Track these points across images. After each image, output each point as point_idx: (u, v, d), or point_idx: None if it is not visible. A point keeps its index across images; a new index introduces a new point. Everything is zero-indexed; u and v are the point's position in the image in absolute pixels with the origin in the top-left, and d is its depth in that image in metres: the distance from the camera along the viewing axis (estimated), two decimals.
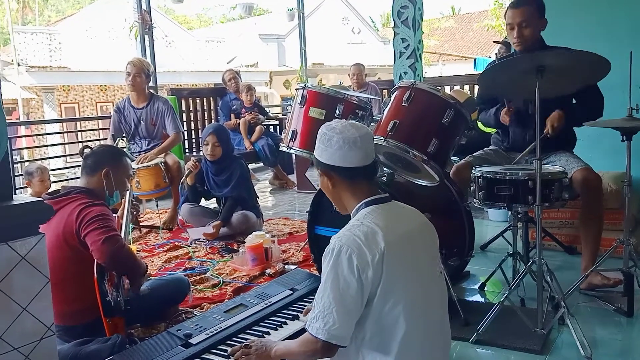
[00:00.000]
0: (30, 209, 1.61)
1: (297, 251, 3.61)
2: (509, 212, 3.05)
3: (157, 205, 4.48)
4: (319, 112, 2.79)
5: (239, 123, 6.00)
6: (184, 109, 6.46)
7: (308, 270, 2.81)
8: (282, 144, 2.99)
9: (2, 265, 1.53)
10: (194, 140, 6.63)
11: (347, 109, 2.77)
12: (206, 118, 6.73)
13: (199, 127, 6.62)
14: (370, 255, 1.42)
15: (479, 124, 3.70)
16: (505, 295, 2.34)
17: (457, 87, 6.18)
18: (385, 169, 2.81)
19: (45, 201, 1.72)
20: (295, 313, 2.25)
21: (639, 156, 2.71)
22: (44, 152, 13.83)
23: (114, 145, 4.31)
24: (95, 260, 2.13)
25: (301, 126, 2.83)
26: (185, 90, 7.23)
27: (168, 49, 17.55)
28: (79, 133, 12.79)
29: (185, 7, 30.31)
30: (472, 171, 2.65)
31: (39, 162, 6.28)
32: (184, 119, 6.42)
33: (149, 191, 4.28)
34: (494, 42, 3.89)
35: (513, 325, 2.33)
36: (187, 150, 6.36)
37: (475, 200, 2.62)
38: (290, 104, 3.16)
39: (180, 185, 4.21)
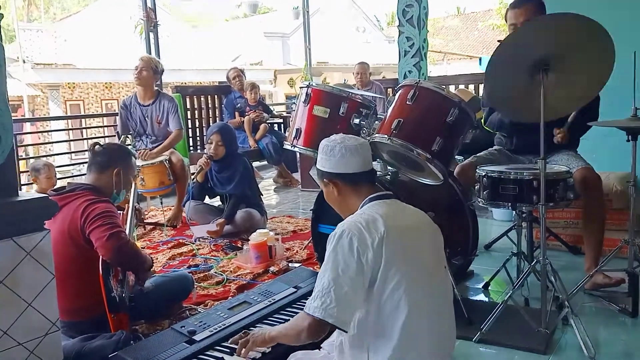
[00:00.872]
0: (35, 205, 1.62)
1: (300, 249, 3.62)
2: (514, 212, 3.04)
3: (161, 203, 4.50)
4: (323, 111, 2.78)
5: (244, 121, 6.00)
6: (188, 106, 6.46)
7: (312, 268, 2.81)
8: (286, 142, 2.99)
9: (8, 261, 1.54)
10: (198, 138, 6.63)
11: (351, 107, 2.77)
12: (210, 116, 6.73)
13: (204, 125, 6.62)
14: (370, 238, 1.47)
15: (483, 124, 3.69)
16: (509, 294, 2.33)
17: (461, 86, 6.17)
18: (389, 167, 2.81)
19: (50, 197, 1.73)
20: (299, 311, 2.24)
21: None
22: (49, 149, 13.88)
23: (121, 142, 4.32)
24: (101, 257, 2.14)
25: (305, 124, 2.83)
26: (189, 88, 7.21)
27: (173, 47, 17.57)
28: (84, 130, 12.82)
29: (190, 5, 30.33)
30: (477, 170, 2.65)
31: (44, 158, 6.31)
32: (189, 116, 6.43)
33: (153, 188, 4.30)
34: (498, 41, 3.86)
35: (517, 325, 2.32)
36: (191, 148, 6.37)
37: (479, 199, 2.62)
38: (294, 102, 3.16)
39: (191, 182, 4.22)
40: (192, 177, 4.12)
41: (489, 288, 2.89)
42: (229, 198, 4.05)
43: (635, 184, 2.49)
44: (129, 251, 2.22)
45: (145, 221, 4.44)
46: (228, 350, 1.91)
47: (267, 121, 6.16)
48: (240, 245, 3.72)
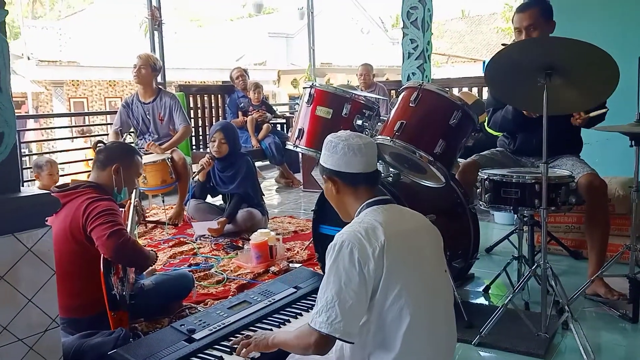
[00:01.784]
0: (37, 202, 1.63)
1: (301, 249, 3.62)
2: (515, 215, 3.03)
3: (163, 201, 4.50)
4: (326, 111, 2.78)
5: (246, 121, 6.01)
6: (192, 105, 6.47)
7: (312, 269, 2.81)
8: (288, 142, 2.99)
9: (8, 257, 1.54)
10: (201, 137, 6.64)
11: (354, 108, 2.77)
12: (214, 115, 6.74)
13: (207, 124, 6.63)
14: (370, 248, 1.45)
15: (486, 127, 3.68)
16: (509, 298, 2.33)
17: (465, 89, 6.17)
18: (391, 169, 2.81)
19: (53, 194, 1.74)
20: (298, 311, 2.25)
21: None
22: (52, 146, 13.90)
23: (122, 140, 4.33)
24: (102, 255, 2.14)
25: (308, 125, 2.83)
26: (193, 87, 7.23)
27: (177, 46, 17.59)
28: (87, 127, 12.84)
29: (195, 4, 30.38)
30: (479, 173, 2.64)
31: (47, 155, 6.32)
32: (192, 115, 6.43)
33: (155, 187, 4.30)
34: (502, 44, 3.86)
35: (516, 329, 2.32)
36: (194, 147, 6.38)
37: (481, 202, 2.61)
38: (297, 103, 3.16)
39: (191, 180, 4.22)
40: (193, 176, 4.12)
41: (490, 291, 2.89)
42: (230, 197, 4.05)
43: (638, 189, 2.48)
44: (130, 249, 2.23)
45: (146, 219, 4.44)
46: (227, 350, 1.91)
47: (270, 121, 6.17)
48: (241, 245, 3.72)
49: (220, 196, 4.31)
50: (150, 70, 4.46)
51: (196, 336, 1.98)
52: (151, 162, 4.20)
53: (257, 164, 6.05)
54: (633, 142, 2.42)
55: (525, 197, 2.44)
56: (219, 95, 6.81)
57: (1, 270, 1.52)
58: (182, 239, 3.93)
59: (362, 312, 1.47)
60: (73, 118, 13.59)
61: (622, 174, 3.26)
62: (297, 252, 3.59)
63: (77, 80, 17.80)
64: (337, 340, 1.46)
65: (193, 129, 6.36)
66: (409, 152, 2.43)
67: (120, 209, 2.42)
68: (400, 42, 4.65)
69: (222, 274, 3.17)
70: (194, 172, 4.15)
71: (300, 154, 5.39)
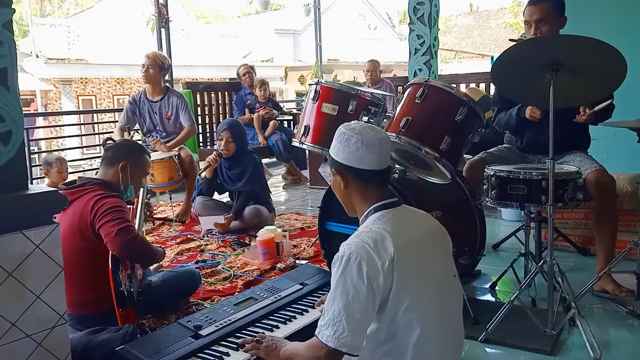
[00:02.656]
0: (45, 199, 1.64)
1: (308, 246, 3.63)
2: (522, 212, 3.02)
3: (170, 198, 4.52)
4: (332, 108, 2.79)
5: (253, 118, 6.02)
6: (198, 102, 6.49)
7: (318, 266, 2.82)
8: (294, 139, 2.99)
9: (17, 254, 1.56)
10: (208, 134, 6.66)
11: (360, 105, 2.77)
12: (221, 112, 6.76)
13: (214, 122, 6.65)
14: (380, 261, 1.40)
15: None
16: (516, 294, 2.32)
17: (472, 85, 6.14)
18: (397, 166, 2.81)
19: (61, 191, 1.75)
20: (305, 307, 2.26)
21: None
22: (61, 144, 14.01)
23: (130, 138, 4.35)
24: (110, 251, 2.16)
25: (314, 121, 2.84)
26: (200, 84, 7.24)
27: (184, 43, 17.63)
28: (96, 125, 12.92)
29: (201, 2, 30.43)
30: (485, 170, 2.63)
31: (58, 152, 6.37)
32: (199, 112, 6.46)
33: (162, 184, 4.32)
34: (510, 40, 3.84)
35: (523, 325, 2.32)
36: (201, 144, 6.40)
37: (487, 199, 2.60)
38: (304, 99, 3.17)
39: (197, 177, 4.24)
40: (200, 172, 4.13)
41: (496, 288, 2.88)
42: (238, 195, 4.07)
43: None
44: (138, 246, 2.24)
45: (154, 216, 4.47)
46: (234, 346, 1.92)
47: (277, 118, 6.18)
48: (247, 242, 3.73)
49: (227, 193, 4.32)
50: (158, 69, 4.50)
51: (203, 332, 1.99)
52: (159, 159, 4.23)
53: (264, 160, 6.07)
54: None
55: (532, 194, 2.42)
56: (226, 93, 6.82)
57: (9, 267, 1.54)
58: (189, 236, 3.95)
59: (369, 324, 1.45)
60: (82, 115, 13.66)
61: (630, 169, 3.24)
62: (304, 248, 3.60)
63: (86, 78, 17.90)
64: None
65: (200, 126, 6.38)
66: (414, 148, 2.43)
67: (129, 206, 2.44)
68: (407, 38, 4.64)
69: (229, 271, 3.18)
70: (201, 169, 4.17)
71: (307, 151, 5.40)
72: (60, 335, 1.66)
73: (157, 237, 3.99)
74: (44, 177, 4.37)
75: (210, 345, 1.94)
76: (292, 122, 7.15)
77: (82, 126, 12.69)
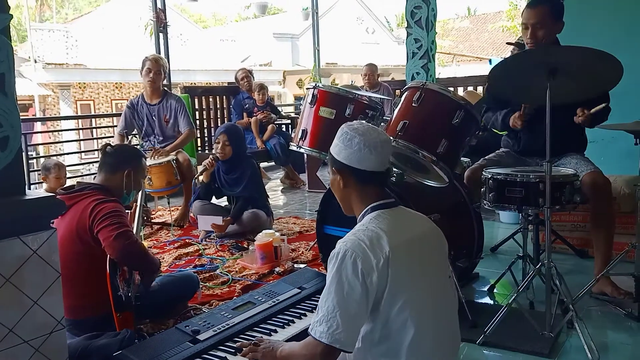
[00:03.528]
0: (42, 204, 1.64)
1: (306, 250, 3.63)
2: (520, 215, 3.03)
3: (168, 203, 4.53)
4: (329, 112, 2.80)
5: (251, 122, 6.03)
6: (197, 107, 6.50)
7: (317, 269, 2.82)
8: (292, 143, 3.00)
9: (14, 259, 1.55)
10: (206, 138, 6.66)
11: (357, 108, 2.78)
12: (219, 116, 6.76)
13: (212, 126, 6.65)
14: (375, 259, 1.41)
15: None
16: (514, 297, 2.32)
17: (470, 88, 6.16)
18: (394, 169, 2.81)
19: (59, 196, 1.76)
20: (303, 311, 2.26)
21: None
22: (59, 148, 14.00)
23: (128, 142, 4.36)
24: (108, 256, 2.16)
25: (311, 125, 2.84)
26: (198, 89, 7.25)
27: (182, 48, 17.66)
28: (94, 130, 12.93)
29: (199, 6, 30.47)
30: (483, 173, 2.64)
31: (56, 158, 6.37)
32: (197, 117, 6.46)
33: (160, 188, 4.32)
34: (507, 43, 3.86)
35: (521, 328, 2.31)
36: (199, 148, 6.40)
37: (485, 202, 2.61)
38: (302, 103, 3.18)
39: (193, 181, 4.24)
40: (196, 176, 4.12)
41: (494, 291, 2.89)
42: (236, 199, 4.07)
43: None
44: (136, 251, 2.24)
45: (152, 221, 4.47)
46: (232, 350, 1.92)
47: (275, 122, 6.18)
48: (246, 246, 3.73)
49: (225, 197, 4.32)
50: (162, 75, 4.57)
51: (201, 337, 1.98)
52: (156, 163, 4.23)
53: (262, 164, 6.08)
54: (638, 140, 2.41)
55: (530, 196, 2.43)
56: (224, 97, 6.83)
57: (7, 273, 1.54)
58: (187, 240, 3.95)
59: (363, 322, 1.46)
60: (80, 120, 13.66)
61: (628, 172, 3.24)
62: (302, 252, 3.60)
63: (84, 83, 17.93)
64: None
65: (198, 131, 6.39)
66: (412, 152, 2.43)
67: (127, 211, 2.44)
68: (405, 42, 4.65)
69: (227, 275, 3.18)
70: (198, 173, 4.16)
71: (305, 155, 5.41)
72: (58, 341, 1.66)
73: (155, 242, 3.99)
74: (42, 182, 4.37)
75: (208, 350, 1.94)
76: (290, 125, 7.15)
77: (81, 131, 12.70)
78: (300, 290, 2.42)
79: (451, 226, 2.69)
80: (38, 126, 13.72)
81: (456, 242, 2.67)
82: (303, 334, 2.04)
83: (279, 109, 6.79)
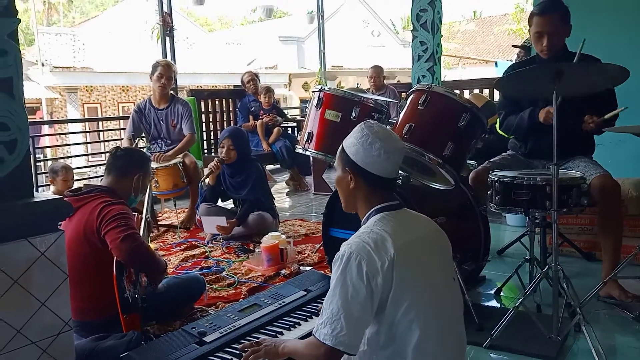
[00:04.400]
0: (50, 206, 1.65)
1: (312, 252, 3.63)
2: (527, 217, 3.02)
3: (175, 205, 4.54)
4: (335, 115, 2.80)
5: (257, 125, 6.04)
6: (203, 110, 6.52)
7: (323, 272, 2.82)
8: (298, 146, 3.01)
9: (22, 261, 1.56)
10: (212, 141, 6.68)
11: (363, 111, 2.78)
12: (225, 119, 6.78)
13: (218, 129, 6.67)
14: (379, 262, 1.42)
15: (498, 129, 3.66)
16: (520, 300, 2.32)
17: (476, 91, 6.14)
18: (400, 172, 2.81)
19: (67, 199, 1.77)
20: (309, 314, 2.26)
21: None
22: (67, 151, 14.08)
23: (135, 146, 4.38)
24: (115, 257, 2.17)
25: (317, 128, 2.85)
26: (204, 92, 7.28)
27: (189, 51, 17.74)
28: (101, 133, 12.99)
29: (206, 10, 30.62)
30: (489, 175, 2.63)
31: (64, 160, 6.40)
32: (203, 120, 6.48)
33: (167, 191, 4.33)
34: (513, 46, 3.85)
35: (528, 331, 2.31)
36: (205, 151, 6.42)
37: (492, 204, 2.60)
38: (308, 106, 3.18)
39: (200, 184, 4.25)
40: (202, 179, 4.13)
41: (501, 294, 2.88)
42: (242, 202, 4.07)
43: None
44: (143, 253, 2.25)
45: (159, 223, 4.49)
46: (237, 352, 1.92)
47: (281, 125, 6.19)
48: (252, 248, 3.74)
49: (231, 200, 4.33)
50: (172, 80, 4.59)
51: (207, 339, 1.99)
52: (163, 166, 4.24)
53: (268, 167, 6.09)
54: None
55: (537, 199, 2.42)
56: (230, 100, 6.85)
57: (15, 275, 1.55)
58: (193, 243, 3.96)
59: (367, 324, 1.46)
60: (87, 123, 13.74)
61: (635, 174, 3.23)
62: (308, 255, 3.60)
63: (91, 86, 18.03)
64: None
65: (204, 133, 6.42)
66: (418, 154, 2.43)
67: (134, 214, 2.45)
68: (411, 45, 4.66)
69: (233, 277, 3.19)
70: (204, 176, 4.17)
71: (311, 157, 5.41)
72: (65, 342, 1.67)
73: (161, 244, 4.00)
74: (49, 185, 4.40)
75: (214, 351, 1.95)
76: (296, 128, 7.17)
77: (88, 134, 12.76)
78: (306, 293, 2.42)
79: (457, 229, 2.69)
80: (45, 129, 13.78)
81: (462, 244, 2.66)
82: (309, 336, 2.04)
83: (285, 111, 6.80)
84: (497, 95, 5.40)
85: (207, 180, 4.05)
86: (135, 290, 2.25)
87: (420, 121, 2.46)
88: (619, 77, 2.23)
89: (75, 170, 4.74)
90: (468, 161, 2.88)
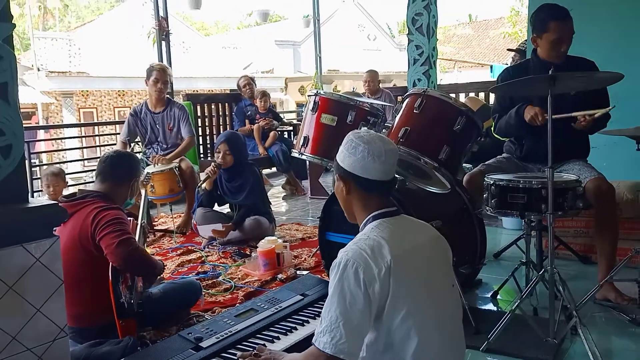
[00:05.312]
0: (45, 212, 1.65)
1: (309, 257, 3.62)
2: (523, 221, 3.02)
3: (171, 210, 4.53)
4: (331, 119, 2.80)
5: (253, 129, 6.04)
6: (199, 114, 6.51)
7: (319, 276, 2.82)
8: (294, 150, 3.01)
9: (17, 267, 1.56)
10: (209, 146, 6.67)
11: (359, 115, 2.78)
12: (221, 123, 6.77)
13: (214, 133, 6.67)
14: (376, 268, 1.41)
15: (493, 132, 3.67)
16: (517, 303, 2.32)
17: (472, 94, 6.16)
18: (396, 175, 2.81)
19: (61, 204, 1.76)
20: (306, 318, 2.25)
21: None
22: (62, 156, 14.04)
23: (130, 150, 4.37)
24: (111, 263, 2.16)
25: (313, 132, 2.85)
26: (201, 96, 7.27)
27: (185, 55, 17.74)
28: (97, 137, 12.96)
29: (202, 14, 30.63)
30: (485, 179, 2.63)
31: (57, 165, 6.38)
32: (199, 124, 6.47)
33: (163, 195, 4.32)
34: (508, 50, 3.87)
35: (525, 334, 2.30)
36: (202, 156, 6.41)
37: (488, 208, 2.60)
38: (304, 110, 3.19)
39: (196, 189, 4.25)
40: (199, 184, 4.13)
41: (498, 297, 2.88)
42: (238, 207, 4.07)
43: None
44: (139, 258, 2.25)
45: (155, 228, 4.47)
46: (234, 358, 1.91)
47: (277, 129, 6.19)
48: (248, 253, 3.73)
49: (227, 204, 4.32)
50: (168, 85, 4.59)
51: (203, 344, 1.98)
52: (159, 171, 4.23)
53: (265, 171, 6.07)
54: (639, 145, 2.41)
55: (532, 202, 2.42)
56: (226, 104, 6.84)
57: (10, 281, 1.54)
58: (190, 247, 3.95)
59: (366, 331, 1.45)
60: (83, 128, 13.71)
61: (630, 177, 3.24)
62: (305, 259, 3.60)
63: (87, 91, 18.00)
64: None
65: (200, 138, 6.41)
66: (413, 158, 2.44)
67: (129, 218, 2.45)
68: (406, 49, 4.68)
69: (229, 282, 3.18)
70: (200, 181, 4.17)
71: (307, 162, 5.42)
72: (61, 349, 1.66)
73: (157, 249, 3.99)
74: (43, 190, 4.38)
75: (211, 357, 1.94)
76: (292, 132, 7.17)
77: (83, 139, 12.74)
78: (303, 297, 2.42)
79: (453, 232, 2.69)
80: (41, 134, 13.76)
81: (459, 248, 2.66)
82: (306, 341, 2.04)
83: (281, 115, 6.80)
84: (492, 98, 5.42)
85: (204, 185, 4.05)
86: (131, 296, 2.25)
87: (416, 125, 2.47)
88: (612, 79, 2.25)
89: (71, 176, 4.73)
90: (464, 165, 2.88)
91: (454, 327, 1.58)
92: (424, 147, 2.42)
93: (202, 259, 3.69)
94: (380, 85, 6.47)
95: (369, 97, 5.70)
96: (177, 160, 4.41)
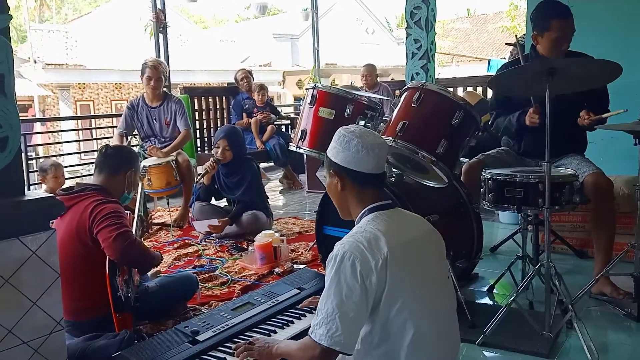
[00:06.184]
0: (41, 205, 1.64)
1: (306, 250, 3.62)
2: (520, 215, 3.02)
3: (167, 203, 4.52)
4: (329, 112, 2.79)
5: (251, 122, 6.03)
6: (196, 107, 6.49)
7: (316, 270, 2.82)
8: (291, 144, 3.00)
9: (13, 260, 1.56)
10: (206, 139, 6.66)
11: (356, 109, 2.77)
12: (219, 117, 6.76)
13: (212, 126, 6.65)
14: (373, 260, 1.42)
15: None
16: (513, 297, 2.32)
17: (470, 89, 6.15)
18: (393, 169, 2.81)
19: (58, 197, 1.75)
20: (302, 312, 2.26)
21: None
22: (59, 149, 14.00)
23: (127, 144, 4.36)
24: (108, 256, 2.16)
25: (310, 126, 2.84)
26: (198, 89, 7.25)
27: (182, 48, 17.67)
28: (94, 130, 12.93)
29: (199, 7, 30.48)
30: (482, 173, 2.64)
31: (54, 158, 6.37)
32: (197, 117, 6.46)
33: (160, 189, 4.31)
34: (506, 44, 3.86)
35: (520, 328, 2.31)
36: (199, 149, 6.40)
37: (484, 202, 2.60)
38: (302, 104, 3.18)
39: (195, 184, 4.24)
40: (197, 179, 4.13)
41: (494, 291, 2.89)
42: (236, 202, 4.06)
43: None
44: (136, 251, 2.24)
45: (152, 222, 4.47)
46: (231, 351, 1.92)
47: (275, 122, 6.18)
48: (245, 246, 3.73)
49: (224, 198, 4.32)
50: (163, 80, 4.56)
51: (200, 338, 1.99)
52: (156, 164, 4.22)
53: (262, 165, 6.07)
54: (637, 140, 2.41)
55: (529, 197, 2.42)
56: (224, 97, 6.82)
57: (6, 274, 1.54)
58: (186, 241, 3.95)
59: (362, 324, 1.46)
60: (79, 121, 13.66)
61: (627, 172, 3.24)
62: (302, 253, 3.60)
63: (84, 83, 17.93)
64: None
65: (197, 131, 6.39)
66: (411, 152, 2.44)
67: (127, 212, 2.44)
68: (405, 42, 4.66)
69: (226, 276, 3.18)
70: (199, 175, 4.16)
71: (305, 155, 5.41)
72: (57, 342, 1.66)
73: (154, 242, 3.99)
74: (41, 183, 4.37)
75: (207, 350, 1.94)
76: (289, 126, 7.15)
77: (80, 132, 12.70)
78: (299, 291, 2.42)
79: (450, 226, 2.70)
80: (38, 127, 13.71)
81: (455, 242, 2.67)
82: (302, 334, 2.04)
83: (279, 109, 6.79)
84: (490, 93, 5.41)
85: (202, 180, 4.04)
86: (128, 289, 2.25)
87: (414, 119, 2.47)
88: (611, 74, 2.24)
89: (67, 169, 4.72)
90: (461, 159, 2.88)
91: (448, 319, 1.60)
92: (422, 141, 2.42)
93: (199, 252, 3.69)
94: (378, 79, 6.46)
95: (366, 91, 5.69)
96: (174, 153, 4.40)
